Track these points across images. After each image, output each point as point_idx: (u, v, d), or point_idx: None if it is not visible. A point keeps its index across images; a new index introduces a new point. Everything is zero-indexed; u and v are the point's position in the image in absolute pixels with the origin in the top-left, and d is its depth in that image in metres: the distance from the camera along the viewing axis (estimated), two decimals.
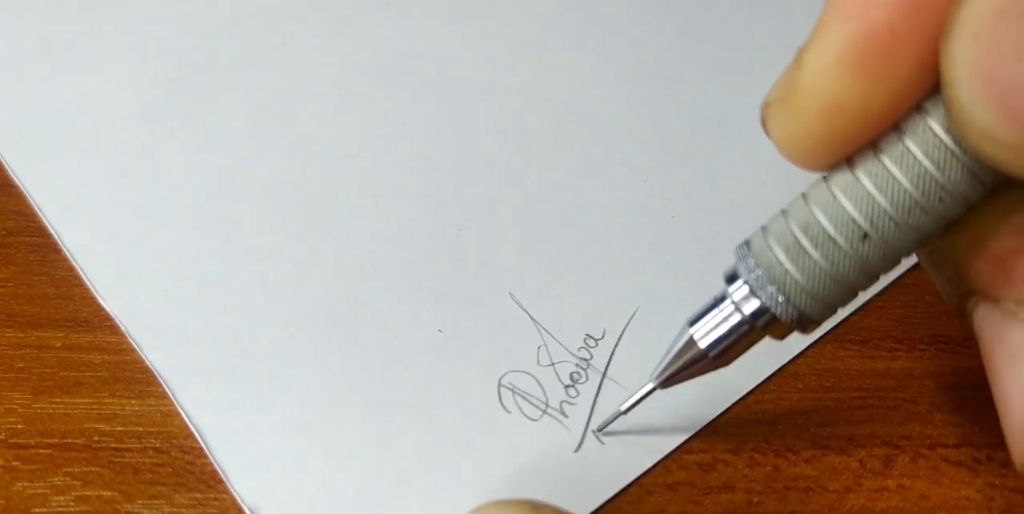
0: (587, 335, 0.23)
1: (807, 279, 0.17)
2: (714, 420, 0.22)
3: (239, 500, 0.20)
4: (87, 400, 0.22)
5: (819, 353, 0.23)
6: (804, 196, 0.17)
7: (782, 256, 0.17)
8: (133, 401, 0.22)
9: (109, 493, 0.20)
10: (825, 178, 0.17)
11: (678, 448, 0.21)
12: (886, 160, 0.16)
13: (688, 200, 0.27)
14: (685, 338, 0.19)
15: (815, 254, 0.17)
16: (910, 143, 0.16)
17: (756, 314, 0.18)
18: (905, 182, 0.16)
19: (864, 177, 0.16)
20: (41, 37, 0.31)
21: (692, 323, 0.19)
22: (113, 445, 0.21)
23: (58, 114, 0.28)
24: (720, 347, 0.19)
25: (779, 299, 0.17)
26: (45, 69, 0.30)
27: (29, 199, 0.26)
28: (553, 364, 0.23)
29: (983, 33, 0.13)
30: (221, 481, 0.21)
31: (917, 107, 0.16)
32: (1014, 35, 0.13)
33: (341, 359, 0.23)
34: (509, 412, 0.22)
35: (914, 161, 0.15)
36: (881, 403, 0.22)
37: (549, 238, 0.26)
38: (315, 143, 0.28)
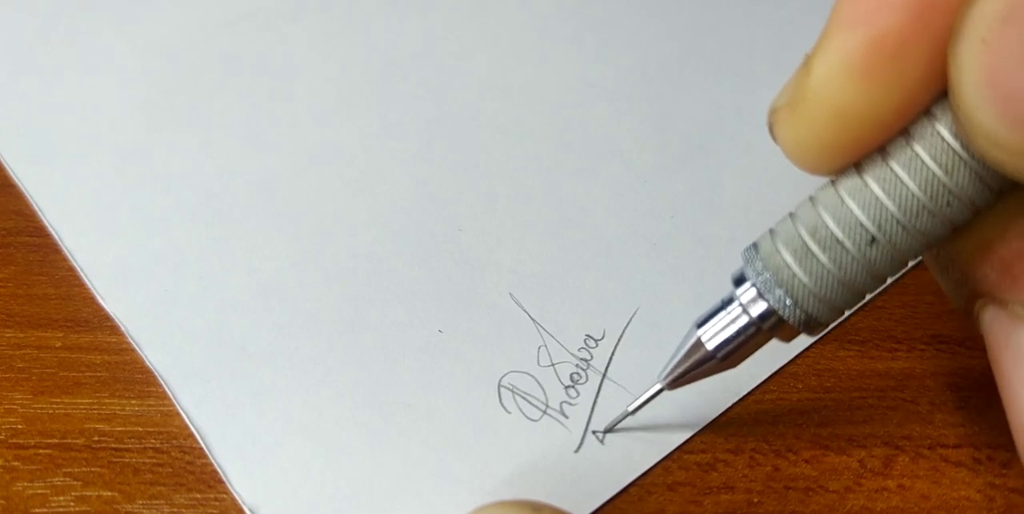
0: (587, 335, 0.23)
1: (814, 282, 0.17)
2: (714, 420, 0.22)
3: (239, 500, 0.20)
4: (87, 400, 0.22)
5: (819, 353, 0.23)
6: (812, 199, 0.17)
7: (790, 259, 0.17)
8: (133, 401, 0.22)
9: (109, 493, 0.20)
10: (833, 182, 0.17)
11: (678, 448, 0.21)
12: (894, 165, 0.16)
13: (688, 200, 0.27)
14: (693, 340, 0.19)
15: (823, 258, 0.17)
16: (918, 148, 0.16)
17: (763, 316, 0.18)
18: (913, 187, 0.16)
19: (872, 181, 0.16)
20: (41, 37, 0.31)
21: (700, 325, 0.19)
22: (113, 445, 0.21)
23: (58, 114, 0.28)
24: (728, 349, 0.19)
25: (787, 302, 0.17)
26: (45, 69, 0.30)
27: (29, 199, 0.26)
28: (553, 364, 0.23)
29: (989, 38, 0.13)
30: (221, 481, 0.21)
31: (925, 112, 0.16)
32: (1020, 40, 0.13)
33: (341, 359, 0.23)
34: (509, 412, 0.22)
35: (922, 166, 0.16)
36: (881, 403, 0.22)
37: (549, 238, 0.26)
38: (315, 143, 0.28)
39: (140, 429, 0.21)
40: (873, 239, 0.16)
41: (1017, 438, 0.17)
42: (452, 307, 0.24)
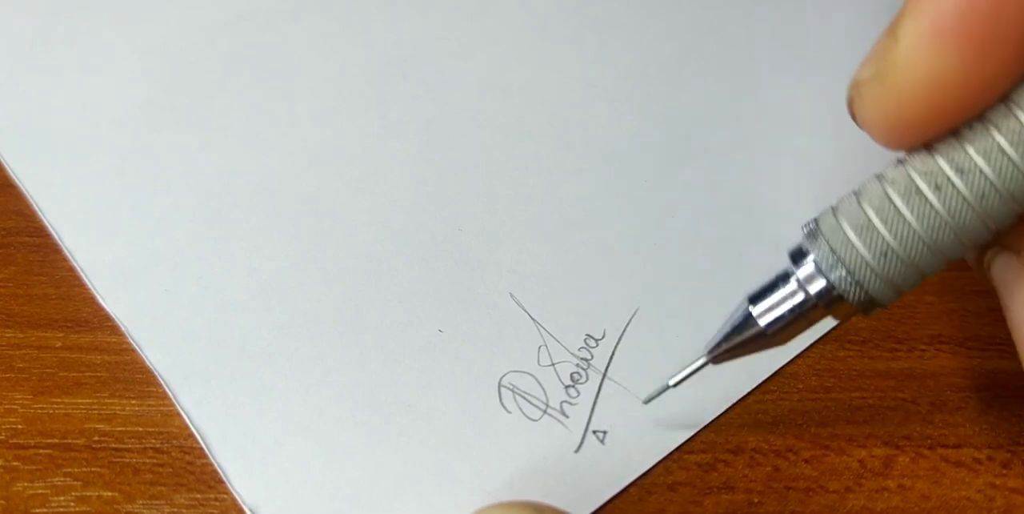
0: (587, 335, 0.23)
1: (877, 260, 0.17)
2: (714, 420, 0.22)
3: (239, 500, 0.20)
4: (87, 400, 0.22)
5: (819, 353, 0.23)
6: (879, 177, 0.17)
7: (853, 236, 0.17)
8: (133, 401, 0.22)
9: (109, 493, 0.20)
10: (902, 161, 0.17)
11: (678, 448, 0.21)
12: (969, 148, 0.16)
13: (688, 200, 0.27)
14: (745, 315, 0.19)
15: (888, 236, 0.16)
16: (995, 133, 0.15)
17: (822, 293, 0.17)
18: (988, 171, 0.15)
19: (943, 162, 0.16)
20: (41, 37, 0.31)
21: (753, 300, 0.19)
22: (113, 445, 0.21)
23: (58, 114, 0.28)
24: (780, 325, 0.18)
25: (848, 280, 0.17)
26: (45, 69, 0.30)
27: (29, 199, 0.26)
28: (553, 364, 0.23)
29: None
30: (221, 481, 0.21)
31: (1004, 99, 0.15)
32: None
33: (341, 359, 0.23)
34: (509, 412, 0.22)
35: (999, 151, 0.15)
36: (881, 403, 0.22)
37: (549, 238, 0.26)
38: (315, 143, 0.28)
39: (140, 429, 0.21)
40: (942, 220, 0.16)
41: None
42: (452, 307, 0.24)
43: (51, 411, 0.22)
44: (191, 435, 0.21)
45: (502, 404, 0.22)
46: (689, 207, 0.26)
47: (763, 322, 0.18)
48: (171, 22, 0.31)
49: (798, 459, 0.21)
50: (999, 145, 0.15)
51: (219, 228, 0.26)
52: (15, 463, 0.21)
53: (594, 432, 0.22)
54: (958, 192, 0.16)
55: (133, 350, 0.23)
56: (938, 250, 0.16)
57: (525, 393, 0.22)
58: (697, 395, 0.22)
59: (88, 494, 0.20)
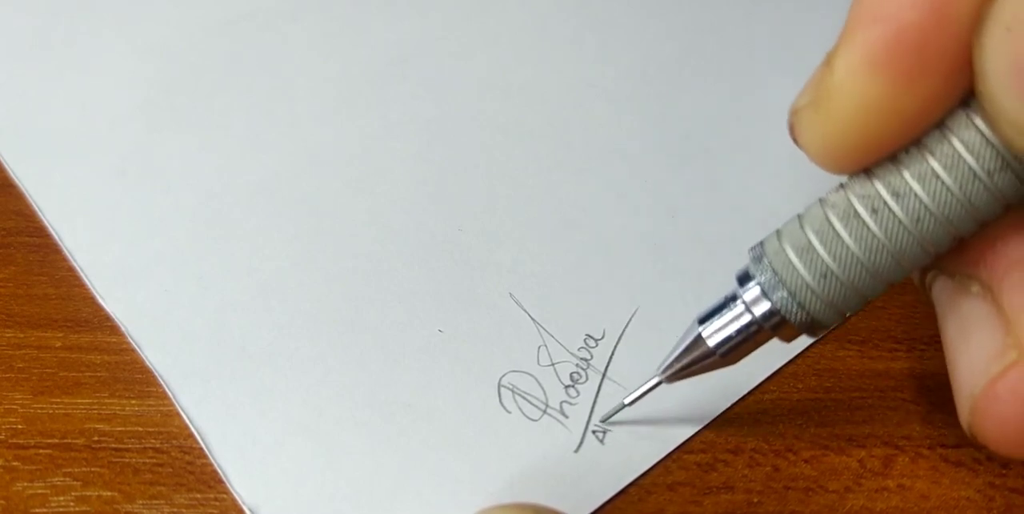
0: (587, 335, 0.23)
1: (818, 283, 0.17)
2: (714, 420, 0.22)
3: (239, 500, 0.20)
4: (87, 400, 0.22)
5: (819, 353, 0.23)
6: (821, 201, 0.17)
7: (795, 259, 0.17)
8: (133, 401, 0.22)
9: (109, 493, 0.20)
10: (843, 185, 0.17)
11: (678, 448, 0.21)
12: (905, 173, 0.16)
13: (688, 200, 0.27)
14: (694, 335, 0.19)
15: (827, 259, 0.17)
16: (930, 158, 0.16)
17: (767, 316, 0.18)
18: (923, 195, 0.16)
19: (880, 186, 0.16)
20: (41, 37, 0.31)
21: (702, 321, 0.19)
22: (113, 445, 0.21)
23: (58, 114, 0.28)
24: (728, 346, 0.19)
25: (790, 302, 0.17)
26: (45, 69, 0.30)
27: (29, 199, 0.26)
28: (553, 364, 0.23)
29: (1015, 27, 0.13)
30: (221, 481, 0.21)
31: (939, 125, 0.16)
32: None
33: (341, 359, 0.23)
34: (509, 412, 0.22)
35: (933, 175, 0.16)
36: (881, 403, 0.22)
37: (549, 238, 0.26)
38: (315, 143, 0.28)
39: (140, 429, 0.21)
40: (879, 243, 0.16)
41: (957, 400, 0.18)
42: (452, 307, 0.24)
43: (51, 411, 0.22)
44: (191, 435, 0.21)
45: (502, 404, 0.22)
46: (689, 207, 0.26)
47: (712, 343, 0.19)
48: (171, 22, 0.32)
49: (798, 459, 0.21)
50: (933, 170, 0.16)
51: (219, 228, 0.26)
52: (15, 463, 0.21)
53: (594, 432, 0.22)
54: (894, 215, 0.16)
55: (133, 350, 0.23)
56: (876, 272, 0.17)
57: (525, 393, 0.22)
58: (697, 395, 0.22)
59: (88, 494, 0.20)
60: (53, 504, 0.20)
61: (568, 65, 0.31)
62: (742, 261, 0.19)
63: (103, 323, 0.23)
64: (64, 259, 0.25)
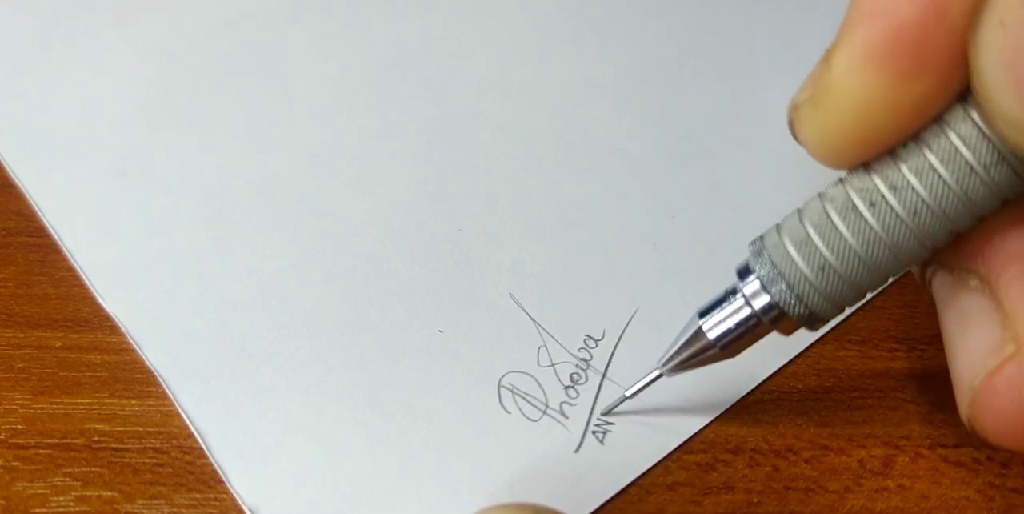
0: (587, 336, 0.23)
1: (817, 277, 0.17)
2: (714, 420, 0.22)
3: (239, 500, 0.20)
4: (87, 400, 0.22)
5: (819, 353, 0.23)
6: (821, 195, 0.17)
7: (794, 253, 0.17)
8: (133, 401, 0.22)
9: (109, 493, 0.20)
10: (842, 179, 0.17)
11: (678, 448, 0.21)
12: (903, 167, 0.16)
13: (689, 200, 0.27)
14: (694, 329, 0.19)
15: (826, 253, 0.17)
16: (928, 152, 0.16)
17: (766, 309, 0.18)
18: (920, 188, 0.16)
19: (879, 180, 0.16)
20: (41, 37, 0.31)
21: (702, 314, 0.19)
22: (113, 445, 0.21)
23: (58, 114, 0.28)
24: (728, 339, 0.19)
25: (789, 296, 0.17)
26: (45, 69, 0.30)
27: (29, 199, 0.26)
28: (553, 365, 0.23)
29: (1008, 21, 0.14)
30: (221, 481, 0.21)
31: (937, 120, 0.16)
32: None
33: (341, 359, 0.23)
34: (509, 413, 0.22)
35: (930, 169, 0.16)
36: (881, 403, 0.22)
37: (549, 238, 0.26)
38: (315, 143, 0.28)
39: (140, 429, 0.21)
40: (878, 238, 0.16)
41: (957, 393, 0.18)
42: (452, 307, 0.24)
43: (51, 411, 0.22)
44: (191, 435, 0.21)
45: (502, 404, 0.22)
46: (689, 207, 0.26)
47: (711, 336, 0.19)
48: (171, 22, 0.31)
49: (798, 459, 0.21)
50: (930, 163, 0.16)
51: (219, 228, 0.26)
52: (15, 463, 0.21)
53: (594, 432, 0.22)
54: (892, 209, 0.16)
55: (133, 350, 0.23)
56: (874, 266, 0.17)
57: (525, 393, 0.22)
58: (697, 395, 0.22)
59: (88, 494, 0.20)
60: (53, 504, 0.20)
61: (568, 65, 0.31)
62: (742, 261, 0.19)
63: (103, 323, 0.23)
64: (64, 259, 0.25)
